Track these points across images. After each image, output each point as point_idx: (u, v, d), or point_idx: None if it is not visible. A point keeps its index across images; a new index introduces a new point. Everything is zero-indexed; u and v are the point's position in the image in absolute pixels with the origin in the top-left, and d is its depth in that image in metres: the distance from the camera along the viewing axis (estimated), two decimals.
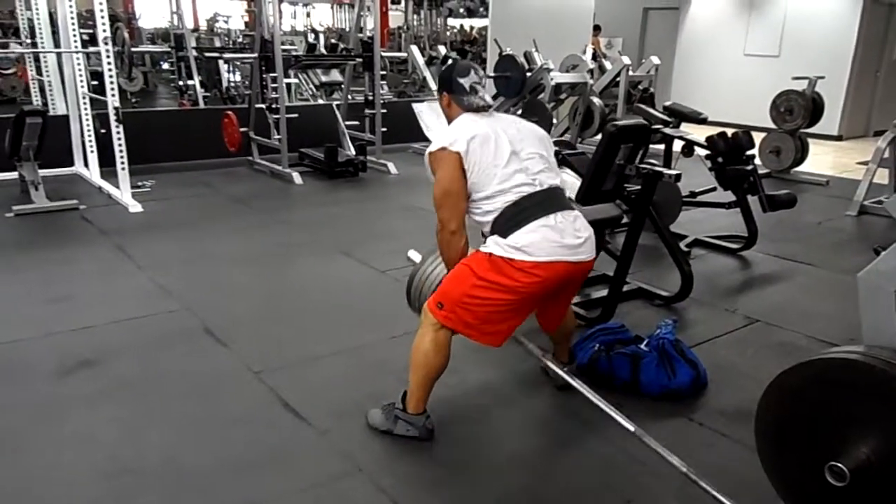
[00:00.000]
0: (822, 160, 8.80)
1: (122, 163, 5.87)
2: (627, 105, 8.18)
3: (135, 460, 2.47)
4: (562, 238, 2.41)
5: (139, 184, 6.33)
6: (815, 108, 7.39)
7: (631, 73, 8.24)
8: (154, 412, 2.80)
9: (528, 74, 7.38)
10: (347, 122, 7.89)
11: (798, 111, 7.37)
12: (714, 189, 5.25)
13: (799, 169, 7.67)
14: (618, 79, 8.20)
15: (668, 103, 5.34)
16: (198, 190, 6.65)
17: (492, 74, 7.71)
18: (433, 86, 10.09)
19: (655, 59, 8.64)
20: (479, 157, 2.43)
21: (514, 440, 2.71)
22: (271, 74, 6.93)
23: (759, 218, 4.91)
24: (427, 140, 8.63)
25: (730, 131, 4.79)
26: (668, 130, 4.73)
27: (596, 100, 7.62)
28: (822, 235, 5.59)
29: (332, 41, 15.54)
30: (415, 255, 3.05)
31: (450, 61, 8.80)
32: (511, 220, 2.41)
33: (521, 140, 2.52)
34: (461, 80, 2.58)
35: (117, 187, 5.99)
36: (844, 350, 1.45)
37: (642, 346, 3.06)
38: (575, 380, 2.57)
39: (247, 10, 11.94)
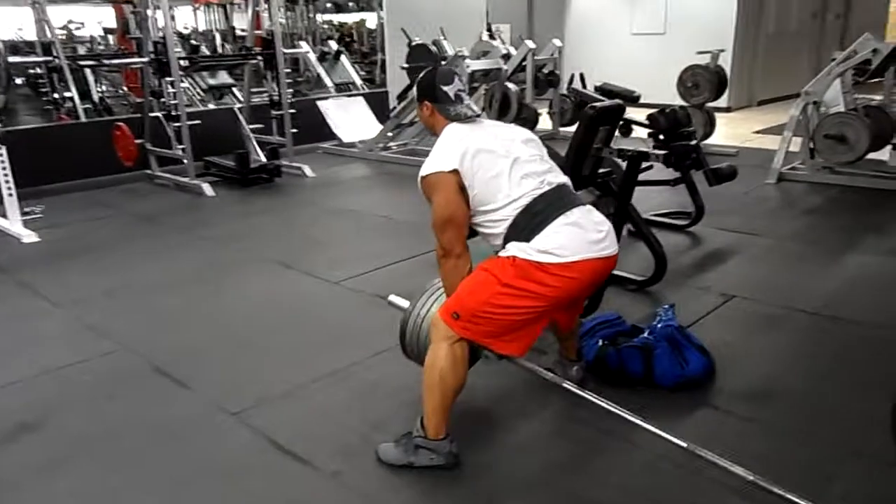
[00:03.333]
0: (719, 132, 9.00)
1: (10, 189, 5.19)
2: (536, 89, 8.14)
3: None
4: (586, 234, 2.26)
5: (26, 210, 5.61)
6: (719, 81, 7.58)
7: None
8: (126, 476, 2.38)
9: (443, 63, 7.15)
10: (251, 126, 7.39)
11: (704, 85, 7.54)
12: (651, 167, 5.22)
13: (708, 142, 7.86)
14: (524, 63, 8.13)
15: (599, 83, 5.26)
16: (97, 211, 5.98)
17: (405, 66, 7.44)
18: (328, 82, 9.78)
19: (557, 42, 8.67)
20: (476, 171, 2.26)
21: (544, 454, 2.48)
22: (167, 79, 6.35)
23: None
24: (336, 138, 8.27)
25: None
26: None
27: (511, 85, 7.50)
28: (752, 205, 5.71)
29: (222, 42, 15.08)
30: (399, 301, 2.69)
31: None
32: (528, 224, 2.24)
33: (514, 143, 2.37)
34: (445, 89, 2.41)
35: (4, 216, 5.29)
36: None
37: (647, 336, 2.93)
38: (611, 405, 2.31)
39: (131, 11, 11.01)
